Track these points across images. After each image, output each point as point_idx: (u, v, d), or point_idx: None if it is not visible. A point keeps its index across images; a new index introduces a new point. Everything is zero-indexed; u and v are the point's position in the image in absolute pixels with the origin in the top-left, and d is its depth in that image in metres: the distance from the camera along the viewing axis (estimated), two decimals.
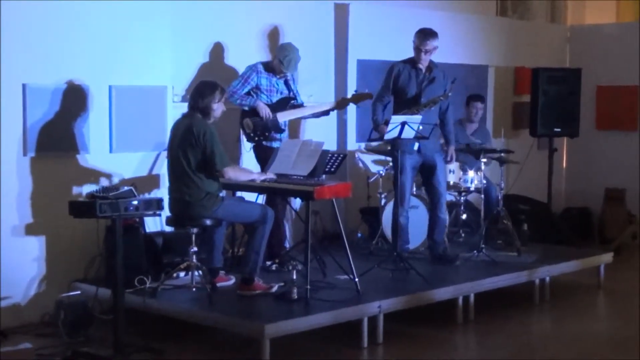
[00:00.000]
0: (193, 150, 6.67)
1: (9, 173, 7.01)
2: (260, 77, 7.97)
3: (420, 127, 7.64)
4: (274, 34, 8.80)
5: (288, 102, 8.10)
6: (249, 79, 7.95)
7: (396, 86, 8.08)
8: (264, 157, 7.79)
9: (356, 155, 9.63)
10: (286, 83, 8.14)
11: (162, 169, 7.62)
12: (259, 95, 7.98)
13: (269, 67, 8.05)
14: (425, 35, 7.99)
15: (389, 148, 8.21)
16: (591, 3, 13.01)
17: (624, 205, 11.42)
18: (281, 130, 7.98)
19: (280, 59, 7.97)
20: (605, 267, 8.96)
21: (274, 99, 8.04)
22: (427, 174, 8.22)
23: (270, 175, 7.10)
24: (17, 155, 7.05)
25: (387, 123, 7.70)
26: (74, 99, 7.30)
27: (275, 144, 7.91)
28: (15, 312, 7.07)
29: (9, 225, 7.04)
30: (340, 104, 8.51)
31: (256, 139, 7.96)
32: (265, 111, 7.89)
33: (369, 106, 8.24)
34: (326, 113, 8.40)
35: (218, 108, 6.85)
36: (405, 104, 8.00)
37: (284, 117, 8.03)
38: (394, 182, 7.92)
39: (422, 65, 8.05)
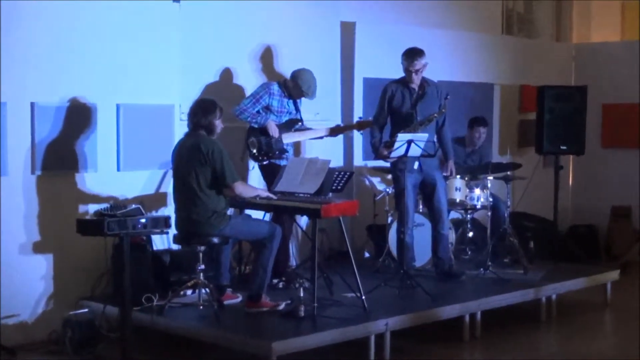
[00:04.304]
0: (202, 169, 6.69)
1: (17, 191, 7.04)
2: (272, 98, 7.99)
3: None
4: (281, 53, 8.83)
5: (294, 124, 8.13)
6: (260, 99, 7.97)
7: (391, 107, 8.11)
8: (271, 174, 7.81)
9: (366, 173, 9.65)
10: (295, 103, 8.18)
11: (170, 187, 7.61)
12: (269, 115, 7.99)
13: (282, 88, 8.08)
14: (412, 55, 7.99)
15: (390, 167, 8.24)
16: (596, 21, 13.04)
17: (631, 222, 11.42)
18: (285, 152, 8.00)
19: (304, 90, 8.01)
20: (612, 285, 8.95)
21: (284, 120, 8.07)
22: (427, 192, 8.23)
23: (271, 195, 7.11)
24: (25, 173, 7.08)
25: (389, 145, 7.72)
26: (82, 118, 7.34)
27: (282, 162, 7.93)
28: (22, 330, 7.08)
29: (17, 243, 7.07)
30: (342, 130, 8.57)
31: (260, 158, 7.98)
32: (274, 131, 7.91)
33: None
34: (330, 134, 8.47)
35: (219, 124, 6.90)
36: (401, 123, 8.01)
37: (288, 138, 8.05)
38: (396, 201, 7.92)
39: (415, 84, 8.07)
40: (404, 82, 8.11)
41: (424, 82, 8.12)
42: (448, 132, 8.35)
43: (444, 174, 8.34)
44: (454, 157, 8.50)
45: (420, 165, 8.05)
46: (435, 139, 8.08)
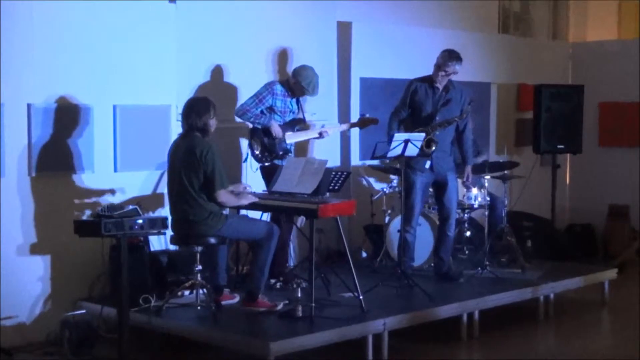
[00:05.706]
0: (196, 171, 6.66)
1: (13, 192, 7.03)
2: (275, 98, 7.94)
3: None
4: (277, 53, 8.82)
5: (296, 124, 8.11)
6: (263, 99, 7.91)
7: (413, 103, 8.10)
8: (271, 176, 7.75)
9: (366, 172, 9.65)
10: (297, 102, 8.16)
11: (166, 188, 7.64)
12: (273, 115, 7.95)
13: (285, 88, 8.04)
14: (450, 57, 8.02)
15: (397, 166, 8.23)
16: (593, 20, 13.04)
17: (628, 221, 11.43)
18: (289, 152, 7.98)
19: (304, 85, 7.96)
20: (609, 284, 8.95)
21: (288, 120, 8.05)
22: (438, 191, 8.24)
23: (253, 198, 7.00)
24: (22, 175, 7.07)
25: None
26: (78, 119, 7.32)
27: (284, 163, 7.90)
28: (20, 331, 7.07)
29: (14, 244, 7.06)
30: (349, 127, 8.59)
31: (263, 159, 7.95)
32: (277, 132, 7.87)
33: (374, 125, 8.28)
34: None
35: (214, 123, 6.85)
36: (421, 121, 8.02)
37: (291, 138, 8.03)
38: (403, 199, 7.90)
39: (440, 85, 8.07)
40: (430, 80, 8.10)
41: (449, 84, 8.13)
42: (469, 137, 8.34)
43: (465, 182, 8.35)
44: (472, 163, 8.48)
45: (432, 164, 8.05)
46: (452, 141, 8.14)
